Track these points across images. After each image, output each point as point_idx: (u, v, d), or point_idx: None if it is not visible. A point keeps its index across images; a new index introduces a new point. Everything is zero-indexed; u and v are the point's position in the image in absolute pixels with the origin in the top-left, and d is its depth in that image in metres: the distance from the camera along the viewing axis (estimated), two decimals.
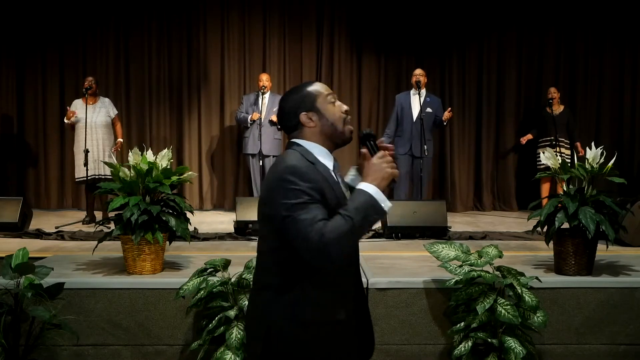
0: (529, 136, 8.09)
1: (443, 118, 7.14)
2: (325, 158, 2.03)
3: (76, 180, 7.20)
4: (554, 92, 7.92)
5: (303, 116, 2.03)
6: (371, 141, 2.03)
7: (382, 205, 1.88)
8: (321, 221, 1.83)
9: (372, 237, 5.93)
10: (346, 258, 2.01)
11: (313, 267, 1.89)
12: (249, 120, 7.55)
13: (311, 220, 1.82)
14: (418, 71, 7.35)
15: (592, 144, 3.93)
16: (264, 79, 7.70)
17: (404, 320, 3.67)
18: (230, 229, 6.22)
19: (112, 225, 3.95)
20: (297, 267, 1.92)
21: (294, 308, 1.93)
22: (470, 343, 3.36)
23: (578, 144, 7.79)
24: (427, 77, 7.47)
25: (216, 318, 3.38)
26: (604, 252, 4.05)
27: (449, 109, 7.27)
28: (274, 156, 7.50)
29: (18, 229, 6.17)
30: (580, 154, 7.30)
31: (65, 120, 7.16)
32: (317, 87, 2.08)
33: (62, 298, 3.45)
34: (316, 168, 1.96)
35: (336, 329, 1.98)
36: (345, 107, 2.09)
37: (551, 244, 3.95)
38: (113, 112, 7.18)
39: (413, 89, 7.32)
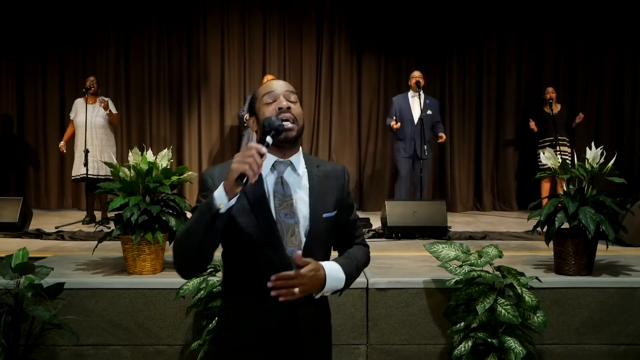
0: (532, 124, 7.99)
1: (438, 141, 7.30)
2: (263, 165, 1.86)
3: (72, 178, 7.15)
4: (551, 92, 7.94)
5: (249, 121, 2.05)
6: (267, 137, 1.80)
7: (216, 202, 1.73)
8: None
9: (372, 237, 5.94)
10: (254, 267, 1.88)
11: (230, 276, 1.98)
12: (244, 118, 7.61)
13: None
14: (417, 73, 7.35)
15: (592, 144, 3.93)
16: (265, 80, 7.70)
17: (404, 320, 3.67)
18: None
19: (112, 225, 3.95)
20: (224, 276, 2.02)
21: (220, 313, 2.05)
22: (470, 343, 3.36)
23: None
24: (426, 77, 7.48)
25: (216, 318, 3.38)
26: (604, 252, 4.05)
27: (443, 136, 7.29)
28: None
29: (18, 229, 6.17)
30: (580, 117, 7.79)
31: (61, 149, 7.27)
32: (261, 88, 1.98)
33: (62, 298, 3.46)
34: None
35: (247, 338, 1.91)
36: (281, 105, 1.91)
37: (551, 244, 3.95)
38: (113, 110, 7.14)
39: (411, 90, 7.31)
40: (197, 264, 1.86)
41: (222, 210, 1.74)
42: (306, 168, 1.98)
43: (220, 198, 1.73)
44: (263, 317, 1.89)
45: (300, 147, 2.01)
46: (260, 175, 1.85)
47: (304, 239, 1.91)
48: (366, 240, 2.15)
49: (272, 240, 1.86)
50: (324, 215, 1.94)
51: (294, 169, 1.94)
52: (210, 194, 1.78)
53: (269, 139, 1.78)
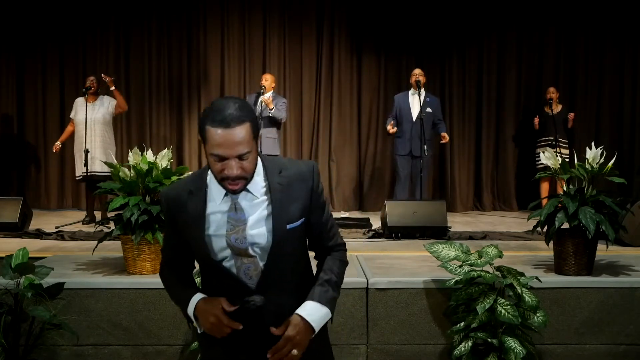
0: (536, 120, 7.98)
1: (441, 141, 7.34)
2: (217, 190, 1.90)
3: (76, 178, 7.19)
4: (552, 92, 7.92)
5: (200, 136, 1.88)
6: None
7: (190, 318, 1.96)
8: (166, 267, 2.10)
9: (372, 237, 5.93)
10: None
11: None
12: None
13: (163, 255, 2.12)
14: (418, 71, 7.34)
15: (592, 144, 3.93)
16: (263, 79, 7.67)
17: (404, 320, 3.67)
18: None
19: (112, 225, 3.95)
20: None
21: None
22: (470, 343, 3.36)
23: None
24: (427, 77, 7.48)
25: None
26: (604, 252, 4.05)
27: (445, 136, 7.32)
28: (267, 155, 7.43)
29: (18, 229, 6.17)
30: (571, 116, 7.72)
31: (55, 149, 7.26)
32: (211, 131, 1.76)
33: (62, 298, 3.45)
34: (186, 202, 1.92)
35: (221, 349, 1.97)
36: (230, 174, 1.79)
37: (551, 244, 3.95)
38: (111, 105, 7.08)
39: (412, 89, 7.31)
40: None
41: (200, 331, 1.96)
42: (266, 180, 1.89)
43: (196, 323, 1.96)
44: (234, 344, 1.95)
45: (258, 159, 1.90)
46: (204, 200, 1.90)
47: (259, 259, 1.89)
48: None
49: (209, 261, 1.92)
50: (289, 226, 1.88)
51: (250, 194, 1.88)
52: (173, 221, 1.96)
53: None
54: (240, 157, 1.78)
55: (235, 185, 1.82)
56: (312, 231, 1.98)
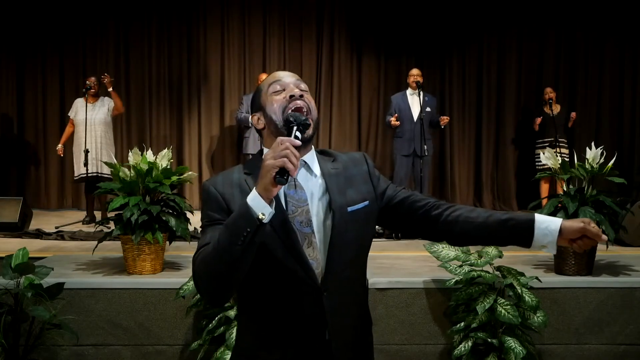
0: (538, 120, 7.98)
1: (441, 123, 7.16)
2: None
3: (75, 178, 7.17)
4: (550, 92, 7.91)
5: (253, 119, 1.74)
6: (294, 127, 1.58)
7: (254, 212, 1.46)
8: (205, 246, 1.57)
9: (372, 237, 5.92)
10: (275, 281, 1.63)
11: (244, 298, 1.70)
12: (249, 119, 7.51)
13: (199, 247, 1.60)
14: (416, 71, 7.30)
15: (592, 144, 3.93)
16: (260, 79, 7.69)
17: (404, 320, 3.67)
18: None
19: (112, 225, 3.95)
20: (239, 293, 1.72)
21: (238, 335, 1.79)
22: (470, 343, 3.36)
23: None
24: (427, 77, 7.46)
25: (216, 318, 3.38)
26: (604, 252, 4.05)
27: (447, 118, 7.26)
28: None
29: (18, 229, 6.17)
30: (573, 116, 7.82)
31: (59, 152, 7.20)
32: (265, 79, 1.73)
33: (62, 298, 3.45)
34: (242, 182, 1.65)
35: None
36: (292, 92, 1.66)
37: None
38: (110, 106, 7.08)
39: (410, 89, 7.27)
40: (232, 287, 1.57)
41: (266, 219, 1.47)
42: (320, 167, 1.72)
43: (258, 206, 1.46)
44: (289, 348, 1.64)
45: (312, 148, 1.75)
46: None
47: (321, 249, 1.64)
48: None
49: (293, 250, 1.60)
50: (349, 209, 1.67)
51: (309, 170, 1.69)
52: (225, 203, 1.60)
53: (297, 134, 1.55)
54: (298, 87, 1.69)
55: (300, 100, 1.65)
56: (403, 203, 1.75)
